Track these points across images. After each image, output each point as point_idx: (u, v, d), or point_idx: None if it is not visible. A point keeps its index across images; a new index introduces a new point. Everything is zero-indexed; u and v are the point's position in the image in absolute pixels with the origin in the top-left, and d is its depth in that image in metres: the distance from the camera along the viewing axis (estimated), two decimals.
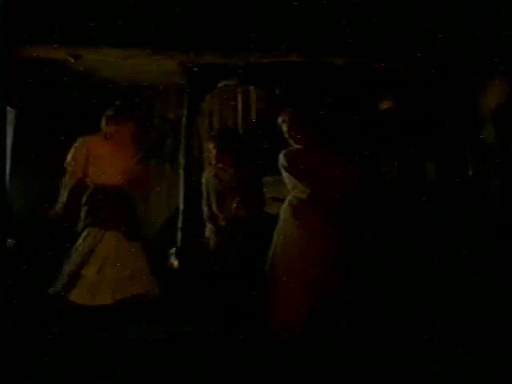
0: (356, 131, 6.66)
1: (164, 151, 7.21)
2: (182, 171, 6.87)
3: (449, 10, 5.79)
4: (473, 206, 6.47)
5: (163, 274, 6.02)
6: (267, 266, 5.70)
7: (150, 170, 6.46)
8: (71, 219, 5.75)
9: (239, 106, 7.27)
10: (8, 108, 5.91)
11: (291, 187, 5.73)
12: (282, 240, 5.66)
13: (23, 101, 6.59)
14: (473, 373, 4.65)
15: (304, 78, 6.79)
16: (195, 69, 6.88)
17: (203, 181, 6.12)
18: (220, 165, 6.08)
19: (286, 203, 5.76)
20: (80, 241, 5.71)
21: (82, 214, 5.75)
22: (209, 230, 6.00)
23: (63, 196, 5.80)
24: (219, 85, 7.23)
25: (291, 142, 5.84)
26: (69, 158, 5.81)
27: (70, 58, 6.43)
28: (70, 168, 5.79)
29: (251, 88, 7.27)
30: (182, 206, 6.80)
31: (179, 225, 6.80)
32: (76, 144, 5.84)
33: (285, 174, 5.76)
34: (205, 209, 6.06)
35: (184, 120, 7.22)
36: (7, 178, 5.95)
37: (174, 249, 6.55)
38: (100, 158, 5.77)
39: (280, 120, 5.91)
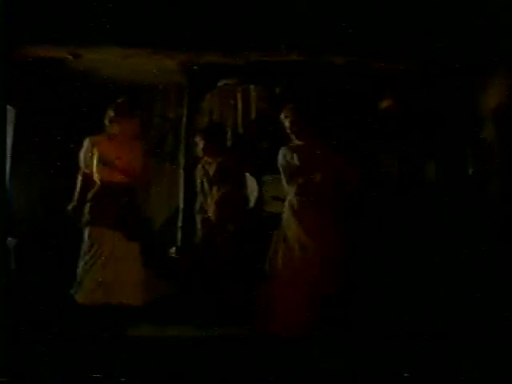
0: (356, 130, 6.66)
1: (164, 150, 7.20)
2: (181, 171, 6.87)
3: (449, 9, 5.78)
4: (473, 205, 6.46)
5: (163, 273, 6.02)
6: (267, 266, 5.71)
7: (151, 168, 6.46)
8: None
9: (239, 105, 7.25)
10: (8, 107, 5.89)
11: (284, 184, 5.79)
12: (282, 240, 5.66)
13: (23, 100, 6.57)
14: (473, 373, 4.65)
15: (304, 77, 6.78)
16: (195, 68, 6.88)
17: (196, 174, 6.21)
18: (206, 157, 6.16)
19: (286, 203, 5.77)
20: (85, 240, 5.72)
21: (86, 212, 5.77)
22: (198, 222, 6.07)
23: (75, 195, 5.84)
24: (219, 84, 7.22)
25: (293, 137, 5.85)
26: (80, 158, 5.86)
27: (69, 57, 6.42)
28: (80, 167, 5.84)
29: (251, 87, 7.26)
30: (182, 206, 6.80)
31: (179, 224, 6.81)
32: (84, 144, 5.87)
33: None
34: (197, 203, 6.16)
35: (184, 119, 7.23)
36: (7, 176, 5.92)
37: (174, 248, 6.55)
38: (106, 157, 5.79)
39: (283, 115, 5.93)
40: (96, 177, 5.80)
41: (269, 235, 5.93)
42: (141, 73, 6.95)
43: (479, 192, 6.59)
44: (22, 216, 6.22)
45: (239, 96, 7.26)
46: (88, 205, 5.76)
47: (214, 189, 6.13)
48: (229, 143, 7.15)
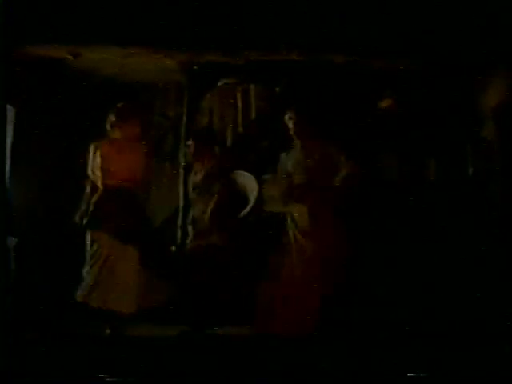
0: (356, 130, 6.65)
1: (164, 150, 7.19)
2: (182, 170, 6.86)
3: (449, 8, 5.77)
4: (473, 204, 6.46)
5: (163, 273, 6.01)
6: (267, 266, 5.71)
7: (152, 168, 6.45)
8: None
9: (239, 105, 7.23)
10: (8, 106, 5.89)
11: None
12: (282, 240, 5.67)
13: (23, 99, 6.56)
14: (473, 373, 4.65)
15: (304, 77, 6.77)
16: (195, 67, 6.86)
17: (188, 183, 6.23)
18: (195, 164, 6.17)
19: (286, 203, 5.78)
20: (87, 244, 5.72)
21: (88, 216, 5.76)
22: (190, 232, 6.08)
23: (83, 203, 5.84)
24: (219, 83, 7.20)
25: (295, 138, 5.86)
26: (87, 165, 5.87)
27: (69, 57, 6.41)
28: (89, 175, 5.84)
29: (251, 86, 7.23)
30: (181, 205, 6.79)
31: (179, 223, 6.80)
32: (89, 150, 5.86)
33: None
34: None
35: (184, 118, 7.22)
36: (7, 176, 5.93)
37: (173, 247, 6.54)
38: (108, 161, 5.78)
39: (287, 117, 5.94)
40: (99, 182, 5.78)
41: (269, 235, 5.92)
42: (141, 72, 6.94)
43: (479, 191, 6.58)
44: (22, 215, 6.21)
45: (239, 95, 7.23)
46: (90, 209, 5.75)
47: (204, 200, 6.13)
48: (229, 143, 7.15)
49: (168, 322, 5.85)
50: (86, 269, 5.69)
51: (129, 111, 5.89)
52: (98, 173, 5.77)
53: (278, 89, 7.11)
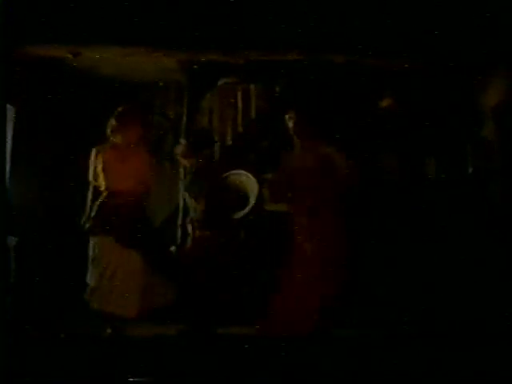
0: (356, 129, 6.66)
1: (164, 149, 7.20)
2: (182, 169, 6.87)
3: (449, 8, 5.77)
4: (473, 203, 6.46)
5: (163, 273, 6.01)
6: (269, 266, 5.72)
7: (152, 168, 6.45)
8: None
9: (239, 104, 7.25)
10: (8, 105, 5.89)
11: None
12: (282, 240, 5.68)
13: (23, 98, 6.57)
14: (473, 373, 4.65)
15: (304, 76, 6.78)
16: (195, 66, 6.87)
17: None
18: (184, 163, 6.21)
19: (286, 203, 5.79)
20: (90, 248, 5.72)
21: (91, 220, 5.75)
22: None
23: (87, 208, 5.83)
24: (219, 83, 7.22)
25: (295, 138, 5.87)
26: (90, 169, 5.86)
27: (69, 56, 6.41)
28: (90, 181, 5.84)
29: (251, 86, 7.25)
30: (181, 204, 6.80)
31: (179, 222, 6.81)
32: (91, 155, 5.85)
33: None
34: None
35: (184, 118, 7.23)
36: (7, 175, 5.93)
37: (173, 247, 6.56)
38: (110, 166, 5.77)
39: (287, 117, 5.93)
40: (102, 186, 5.78)
41: (269, 234, 5.93)
42: (140, 71, 6.95)
43: (479, 190, 6.60)
44: (22, 215, 6.22)
45: (239, 95, 7.25)
46: (93, 213, 5.74)
47: (196, 202, 6.15)
48: (228, 142, 7.16)
49: (168, 322, 5.86)
50: (88, 270, 5.68)
51: (129, 114, 5.85)
52: (101, 178, 5.75)
53: (278, 88, 7.12)
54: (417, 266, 5.96)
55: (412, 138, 6.61)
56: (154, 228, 6.21)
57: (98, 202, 5.73)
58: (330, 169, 5.66)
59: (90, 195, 5.82)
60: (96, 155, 5.82)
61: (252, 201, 6.47)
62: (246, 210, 6.46)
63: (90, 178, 5.83)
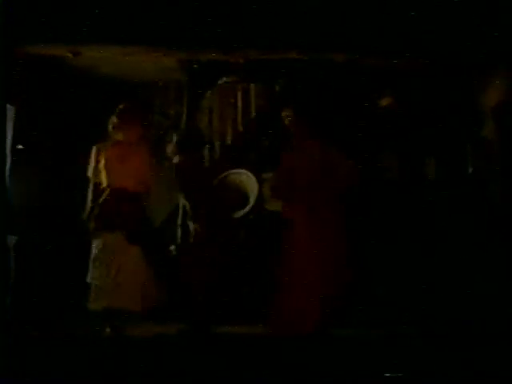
0: (356, 128, 6.66)
1: (164, 149, 7.19)
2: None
3: (449, 8, 5.77)
4: (473, 203, 6.46)
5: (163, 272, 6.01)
6: (268, 266, 5.72)
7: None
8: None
9: (239, 103, 7.23)
10: (8, 105, 5.89)
11: None
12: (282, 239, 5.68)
13: (23, 98, 6.56)
14: (473, 373, 4.65)
15: (304, 75, 6.78)
16: (195, 66, 6.87)
17: None
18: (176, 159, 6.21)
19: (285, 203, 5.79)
20: (93, 246, 5.71)
21: (94, 219, 5.75)
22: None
23: (88, 205, 5.82)
24: (219, 82, 7.22)
25: (295, 138, 5.87)
26: (89, 167, 5.85)
27: (69, 56, 6.40)
28: (89, 177, 5.83)
29: (251, 85, 7.24)
30: (181, 204, 6.79)
31: (179, 222, 6.81)
32: (91, 152, 5.85)
33: None
34: None
35: (184, 117, 7.23)
36: (7, 174, 5.92)
37: (173, 246, 6.56)
38: (112, 163, 5.77)
39: (283, 114, 5.93)
40: (104, 184, 5.77)
41: (269, 233, 5.93)
42: (140, 71, 6.95)
43: (479, 190, 6.60)
44: (22, 214, 6.22)
45: (239, 94, 7.23)
46: (96, 212, 5.73)
47: (188, 201, 6.16)
48: (228, 141, 7.16)
49: (167, 322, 5.87)
50: (90, 269, 5.67)
51: (130, 112, 5.85)
52: (103, 175, 5.75)
53: (278, 87, 7.12)
54: (417, 266, 5.96)
55: (412, 138, 6.62)
56: (154, 227, 6.21)
57: (100, 200, 5.73)
58: (329, 169, 5.66)
59: (90, 193, 5.82)
60: (97, 152, 5.82)
61: (252, 200, 6.47)
62: (246, 209, 6.47)
63: (90, 174, 5.82)
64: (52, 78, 6.88)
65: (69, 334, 5.53)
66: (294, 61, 6.43)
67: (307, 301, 5.45)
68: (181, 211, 6.79)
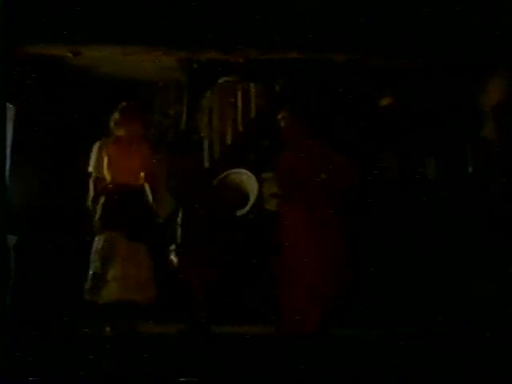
0: (356, 128, 6.66)
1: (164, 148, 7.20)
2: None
3: (449, 8, 5.77)
4: (473, 203, 6.47)
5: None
6: (268, 266, 5.71)
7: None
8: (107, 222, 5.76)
9: (239, 103, 7.23)
10: (8, 105, 5.89)
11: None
12: (282, 239, 5.67)
13: (23, 98, 6.57)
14: (473, 373, 4.65)
15: (304, 75, 6.78)
16: (195, 65, 6.87)
17: None
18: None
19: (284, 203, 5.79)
20: (95, 243, 5.70)
21: (97, 216, 5.74)
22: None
23: (89, 200, 5.82)
24: (219, 81, 7.22)
25: (295, 138, 5.87)
26: (90, 162, 5.84)
27: (69, 55, 6.40)
28: (91, 172, 5.82)
29: (251, 85, 7.24)
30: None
31: (179, 222, 6.80)
32: (93, 148, 5.85)
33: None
34: None
35: (184, 117, 7.23)
36: (7, 174, 5.92)
37: (173, 246, 6.55)
38: (115, 160, 5.77)
39: (280, 116, 5.93)
40: (106, 180, 5.77)
41: (269, 233, 5.93)
42: (140, 70, 6.95)
43: (479, 190, 6.60)
44: (22, 214, 6.22)
45: (239, 94, 7.23)
46: (100, 209, 5.73)
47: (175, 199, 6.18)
48: (228, 141, 7.16)
49: (167, 322, 5.87)
50: (92, 267, 5.66)
51: (132, 109, 5.86)
52: (106, 171, 5.75)
53: (278, 87, 7.12)
54: (417, 266, 5.97)
55: (412, 138, 6.62)
56: (155, 226, 6.20)
57: (102, 197, 5.73)
58: (329, 169, 5.65)
59: (92, 189, 5.81)
60: (99, 148, 5.82)
61: (252, 199, 6.48)
62: (247, 208, 6.47)
63: (92, 169, 5.82)
64: (52, 78, 6.88)
65: (69, 333, 5.53)
66: (294, 61, 6.43)
67: (307, 301, 5.45)
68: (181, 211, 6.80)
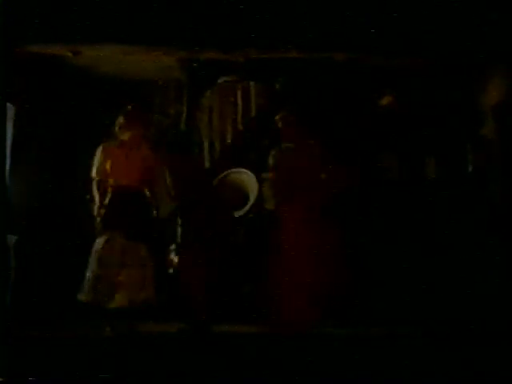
0: (356, 127, 6.66)
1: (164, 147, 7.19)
2: None
3: (449, 8, 5.76)
4: (473, 203, 6.46)
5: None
6: (268, 265, 5.72)
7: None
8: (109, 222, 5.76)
9: (239, 102, 7.23)
10: (8, 104, 5.89)
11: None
12: (282, 239, 5.68)
13: (23, 97, 6.56)
14: (473, 373, 4.65)
15: (304, 74, 6.78)
16: (195, 65, 6.87)
17: None
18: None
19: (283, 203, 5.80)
20: (97, 244, 5.71)
21: (100, 218, 5.75)
22: None
23: (95, 203, 5.82)
24: (219, 81, 7.22)
25: (285, 139, 5.88)
26: (94, 165, 5.84)
27: (69, 55, 6.40)
28: (94, 174, 5.83)
29: (251, 84, 7.24)
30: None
31: (179, 222, 6.80)
32: (96, 152, 5.85)
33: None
34: None
35: (184, 116, 7.22)
36: (7, 173, 5.92)
37: (173, 245, 6.55)
38: (117, 163, 5.78)
39: (277, 117, 5.94)
40: (110, 183, 5.78)
41: (269, 233, 5.93)
42: (140, 70, 6.95)
43: (479, 190, 6.59)
44: (22, 213, 6.22)
45: (239, 93, 7.23)
46: (102, 211, 5.75)
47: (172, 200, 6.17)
48: (228, 141, 7.16)
49: (167, 321, 5.87)
50: (91, 268, 5.66)
51: (137, 113, 5.88)
52: (109, 174, 5.76)
53: (278, 86, 7.12)
54: (417, 266, 5.96)
55: (412, 138, 6.61)
56: (155, 226, 6.21)
57: (106, 199, 5.74)
58: (329, 168, 5.66)
59: (96, 192, 5.82)
60: (103, 152, 5.83)
61: (252, 199, 6.48)
62: (247, 207, 6.47)
63: (95, 173, 5.83)
64: (52, 78, 6.88)
65: (69, 334, 5.53)
66: (294, 60, 6.42)
67: (307, 300, 5.46)
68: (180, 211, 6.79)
